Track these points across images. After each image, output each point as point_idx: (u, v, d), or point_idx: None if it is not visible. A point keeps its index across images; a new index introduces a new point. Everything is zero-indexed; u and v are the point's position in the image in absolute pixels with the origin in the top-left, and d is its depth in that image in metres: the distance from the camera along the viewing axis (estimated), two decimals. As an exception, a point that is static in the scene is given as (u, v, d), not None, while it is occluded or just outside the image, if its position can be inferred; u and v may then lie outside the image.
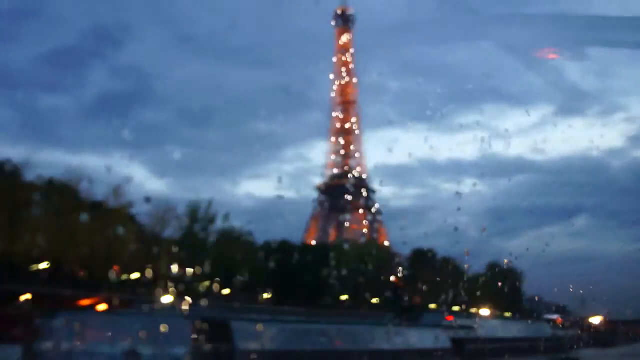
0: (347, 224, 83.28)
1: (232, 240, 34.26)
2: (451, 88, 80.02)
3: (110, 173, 26.72)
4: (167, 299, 23.86)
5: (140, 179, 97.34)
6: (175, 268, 22.25)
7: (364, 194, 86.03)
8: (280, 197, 25.36)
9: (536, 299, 53.54)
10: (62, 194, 28.18)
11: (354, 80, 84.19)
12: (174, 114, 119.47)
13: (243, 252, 31.19)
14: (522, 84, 66.25)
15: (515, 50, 9.78)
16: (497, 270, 56.00)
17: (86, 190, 29.77)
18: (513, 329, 33.32)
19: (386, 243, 71.31)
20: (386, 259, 49.50)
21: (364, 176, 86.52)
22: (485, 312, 42.60)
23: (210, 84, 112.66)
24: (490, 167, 73.50)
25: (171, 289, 22.45)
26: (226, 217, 33.83)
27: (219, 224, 33.73)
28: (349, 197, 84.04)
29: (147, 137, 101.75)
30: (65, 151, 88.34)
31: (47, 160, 73.67)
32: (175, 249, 27.75)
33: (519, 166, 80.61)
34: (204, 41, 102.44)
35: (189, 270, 27.39)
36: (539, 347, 31.68)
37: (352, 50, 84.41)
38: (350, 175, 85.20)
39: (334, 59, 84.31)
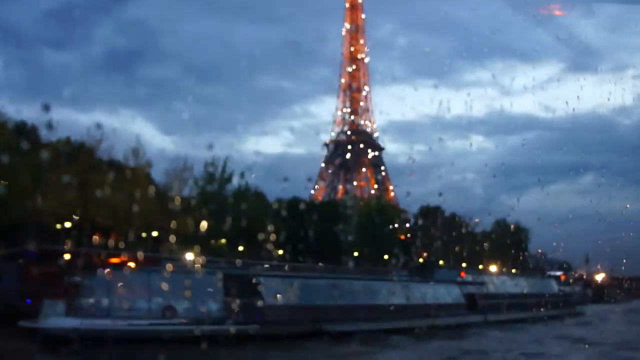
0: (354, 182, 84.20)
1: (249, 197, 35.11)
2: (460, 45, 79.89)
3: (118, 132, 27.40)
4: (189, 257, 24.77)
5: (147, 136, 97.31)
6: (194, 225, 22.99)
7: (372, 150, 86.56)
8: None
9: (539, 251, 54.38)
10: (84, 155, 28.99)
11: (364, 36, 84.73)
12: (181, 71, 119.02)
13: (258, 210, 31.92)
14: (531, 41, 65.97)
15: (523, 7, 9.94)
16: (503, 227, 57.07)
17: (105, 151, 30.62)
18: (521, 285, 34.21)
19: (393, 199, 72.32)
20: (394, 215, 50.27)
21: (372, 133, 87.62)
22: (493, 268, 43.54)
23: (217, 40, 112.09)
24: (498, 124, 72.49)
25: (195, 247, 23.30)
26: (242, 175, 34.62)
27: (235, 182, 34.59)
28: (357, 154, 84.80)
29: (154, 93, 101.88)
30: (72, 109, 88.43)
31: (55, 118, 73.42)
32: (193, 207, 28.58)
33: (527, 123, 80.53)
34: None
35: (206, 228, 28.14)
36: (546, 302, 32.64)
37: (362, 6, 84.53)
38: (358, 132, 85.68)
39: (344, 15, 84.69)
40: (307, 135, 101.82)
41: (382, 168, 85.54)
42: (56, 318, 15.87)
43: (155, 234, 30.41)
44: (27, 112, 45.75)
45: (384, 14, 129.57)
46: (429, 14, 78.55)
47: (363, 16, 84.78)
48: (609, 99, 17.37)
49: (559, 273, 56.81)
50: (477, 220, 50.44)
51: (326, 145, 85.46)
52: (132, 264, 19.93)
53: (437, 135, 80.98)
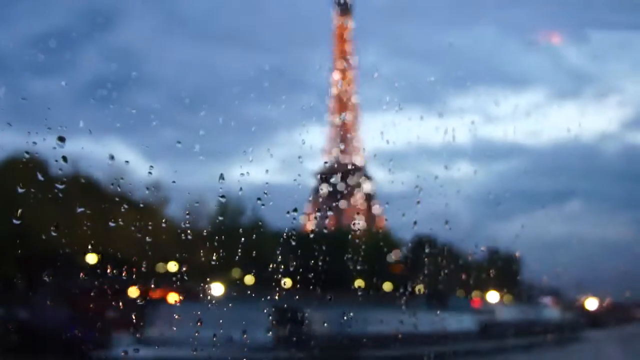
0: (344, 211, 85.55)
1: (259, 228, 36.03)
2: (446, 72, 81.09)
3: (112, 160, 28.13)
4: (217, 288, 25.63)
5: (132, 163, 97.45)
6: (211, 258, 23.88)
7: (361, 179, 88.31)
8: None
9: (530, 280, 55.86)
10: (101, 191, 29.82)
11: (352, 66, 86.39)
12: (166, 97, 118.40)
13: (268, 240, 32.82)
14: (517, 68, 67.56)
15: (513, 33, 10.74)
16: (496, 256, 58.42)
17: (122, 187, 31.36)
18: (526, 312, 35.61)
19: (384, 228, 73.54)
20: (391, 245, 51.30)
21: (360, 162, 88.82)
22: (494, 295, 44.84)
23: (202, 67, 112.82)
24: (483, 151, 74.51)
25: (220, 279, 24.15)
26: (254, 209, 35.47)
27: (247, 215, 35.48)
28: (346, 183, 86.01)
29: (139, 120, 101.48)
30: (56, 135, 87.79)
31: (42, 147, 73.33)
32: (208, 241, 29.41)
33: (513, 150, 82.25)
34: (196, 23, 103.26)
35: (220, 259, 28.93)
36: (548, 328, 34.00)
37: (350, 35, 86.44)
38: (346, 161, 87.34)
39: (331, 44, 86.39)
40: (292, 164, 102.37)
41: (371, 196, 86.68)
42: (127, 348, 16.72)
43: (173, 266, 31.16)
44: (17, 142, 45.81)
45: (372, 42, 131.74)
46: (417, 42, 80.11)
47: (351, 46, 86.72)
48: (592, 125, 18.42)
49: (548, 299, 58.14)
50: (479, 249, 51.70)
51: (315, 174, 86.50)
52: (176, 296, 20.72)
53: (422, 163, 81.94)
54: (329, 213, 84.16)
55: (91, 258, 30.35)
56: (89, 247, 28.49)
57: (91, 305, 20.14)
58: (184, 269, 25.95)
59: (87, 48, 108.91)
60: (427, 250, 48.57)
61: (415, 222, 20.87)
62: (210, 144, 62.85)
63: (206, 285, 26.27)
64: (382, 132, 54.80)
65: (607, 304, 56.75)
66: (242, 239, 32.81)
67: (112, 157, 40.15)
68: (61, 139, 7.86)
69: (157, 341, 17.90)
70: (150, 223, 28.26)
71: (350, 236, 49.30)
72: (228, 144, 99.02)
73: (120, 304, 19.73)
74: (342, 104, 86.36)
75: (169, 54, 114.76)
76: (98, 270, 25.83)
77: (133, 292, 18.96)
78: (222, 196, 38.53)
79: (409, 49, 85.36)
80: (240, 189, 36.68)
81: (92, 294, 21.04)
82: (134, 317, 19.09)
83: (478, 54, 61.56)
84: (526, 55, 71.49)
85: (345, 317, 22.12)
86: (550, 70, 65.31)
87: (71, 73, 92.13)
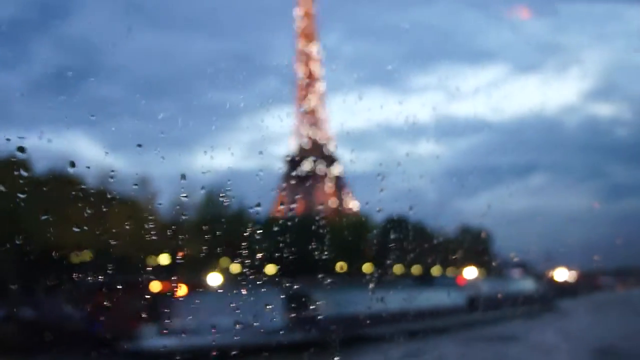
0: (314, 194, 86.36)
1: (242, 219, 36.77)
2: (408, 50, 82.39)
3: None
4: (215, 278, 26.41)
5: (93, 154, 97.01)
6: (200, 249, 24.65)
7: (328, 161, 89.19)
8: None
9: (499, 253, 57.77)
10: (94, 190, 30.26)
11: (315, 48, 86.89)
12: (126, 87, 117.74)
13: (243, 229, 33.57)
14: (478, 44, 68.64)
15: (477, 8, 11.14)
16: (467, 232, 60.05)
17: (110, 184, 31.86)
18: (505, 285, 37.22)
19: (354, 209, 74.80)
20: (363, 227, 52.44)
21: (326, 143, 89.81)
22: (472, 271, 46.40)
23: (163, 55, 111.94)
24: (447, 128, 75.77)
25: (215, 268, 24.93)
26: (239, 199, 36.21)
27: (233, 207, 36.12)
28: (313, 166, 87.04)
29: (98, 111, 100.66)
30: (16, 130, 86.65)
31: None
32: (195, 232, 30.16)
33: (476, 126, 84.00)
34: (154, 10, 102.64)
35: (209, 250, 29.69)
36: (526, 299, 35.65)
37: (313, 18, 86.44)
38: (312, 144, 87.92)
39: (294, 27, 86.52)
40: (257, 149, 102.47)
41: (338, 178, 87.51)
42: (155, 339, 17.55)
43: (166, 258, 31.79)
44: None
45: (333, 23, 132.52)
46: (379, 21, 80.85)
47: (315, 28, 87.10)
48: (553, 98, 19.23)
49: (517, 270, 59.94)
50: (450, 226, 53.20)
51: (283, 158, 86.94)
52: (184, 288, 21.48)
53: (386, 142, 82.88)
54: (297, 197, 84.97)
55: (85, 255, 30.98)
56: (82, 244, 29.12)
57: (109, 301, 20.83)
58: (183, 261, 26.72)
59: (42, 39, 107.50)
60: (398, 231, 49.85)
61: (379, 209, 21.49)
62: (172, 131, 61.08)
63: (206, 276, 27.15)
64: (347, 114, 53.76)
65: (575, 273, 58.85)
66: (225, 227, 33.67)
67: (72, 165, 40.43)
68: (21, 150, 7.54)
69: (178, 331, 18.68)
70: (132, 216, 28.93)
71: (322, 221, 50.09)
72: (192, 132, 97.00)
73: (136, 297, 20.47)
74: (307, 89, 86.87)
75: (128, 42, 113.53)
76: (91, 267, 26.50)
77: (151, 286, 19.73)
78: (210, 191, 39.26)
79: (371, 29, 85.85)
80: (202, 187, 37.47)
81: (106, 290, 21.70)
82: (152, 310, 19.86)
83: (441, 31, 62.16)
84: (490, 30, 72.67)
85: (347, 299, 23.25)
86: (514, 44, 66.41)
87: (26, 65, 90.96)
